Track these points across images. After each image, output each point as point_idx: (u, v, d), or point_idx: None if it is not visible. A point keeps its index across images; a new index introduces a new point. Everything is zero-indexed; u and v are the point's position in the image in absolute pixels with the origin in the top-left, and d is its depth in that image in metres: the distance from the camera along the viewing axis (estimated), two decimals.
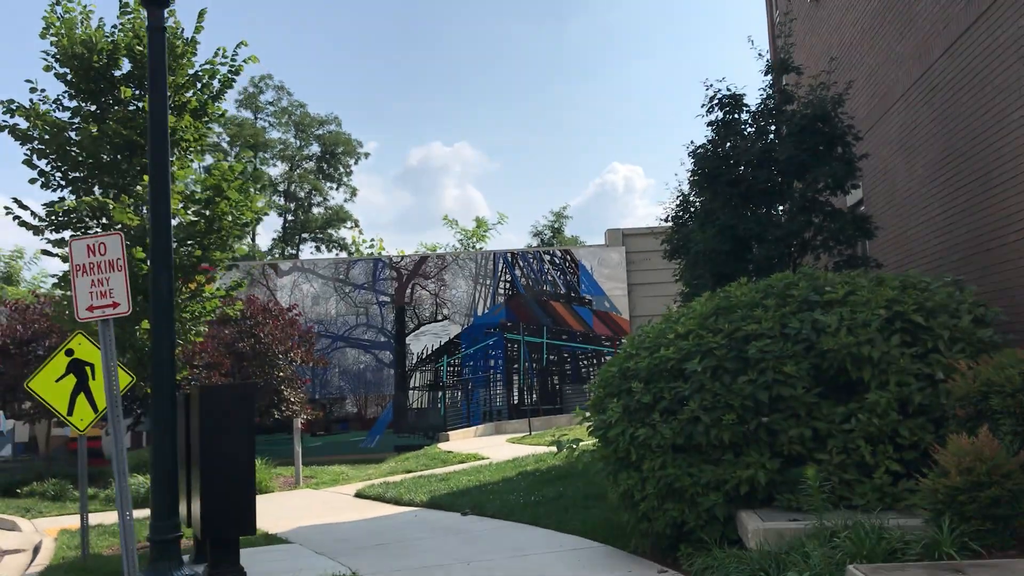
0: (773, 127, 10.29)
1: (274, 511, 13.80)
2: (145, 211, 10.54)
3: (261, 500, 15.96)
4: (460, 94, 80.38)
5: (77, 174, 10.48)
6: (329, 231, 55.15)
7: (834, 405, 6.72)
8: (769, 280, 7.64)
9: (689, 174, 10.33)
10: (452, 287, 27.16)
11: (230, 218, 10.77)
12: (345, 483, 17.18)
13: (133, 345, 10.39)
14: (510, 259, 27.42)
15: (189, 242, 10.77)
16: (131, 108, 10.50)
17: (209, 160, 11.33)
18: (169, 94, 10.72)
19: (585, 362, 26.96)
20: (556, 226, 52.84)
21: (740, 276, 8.45)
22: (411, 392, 26.59)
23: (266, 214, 12.33)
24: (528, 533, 9.22)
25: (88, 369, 9.86)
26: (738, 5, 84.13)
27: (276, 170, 53.62)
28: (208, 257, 10.72)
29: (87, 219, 10.47)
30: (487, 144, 79.97)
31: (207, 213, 10.73)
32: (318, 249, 54.21)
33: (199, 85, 11.12)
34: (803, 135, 9.86)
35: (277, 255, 51.59)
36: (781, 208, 10.29)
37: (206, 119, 11.48)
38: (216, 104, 11.57)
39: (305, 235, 55.08)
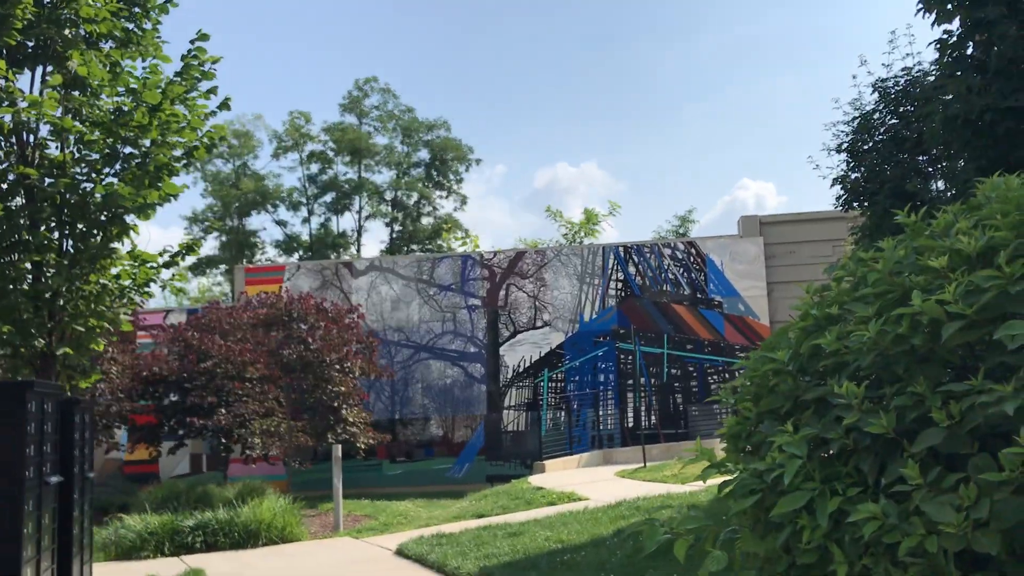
0: None
1: (274, 574, 9.88)
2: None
3: (269, 553, 11.75)
4: (586, 114, 76.60)
5: None
6: (439, 242, 52.24)
7: None
8: None
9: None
10: (554, 287, 22.91)
11: (151, 138, 6.92)
12: (401, 528, 13.18)
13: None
14: (622, 254, 22.96)
15: (93, 173, 6.98)
16: None
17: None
18: None
19: (715, 377, 22.20)
20: (681, 231, 48.03)
21: None
22: (506, 412, 22.44)
23: (222, 138, 8.58)
24: None
25: None
26: (876, 19, 76.76)
27: (382, 177, 51.12)
28: (111, 195, 6.87)
29: None
30: (613, 163, 75.75)
31: (118, 130, 6.91)
32: None
33: None
34: None
35: None
36: None
37: None
38: None
39: (414, 246, 52.24)
